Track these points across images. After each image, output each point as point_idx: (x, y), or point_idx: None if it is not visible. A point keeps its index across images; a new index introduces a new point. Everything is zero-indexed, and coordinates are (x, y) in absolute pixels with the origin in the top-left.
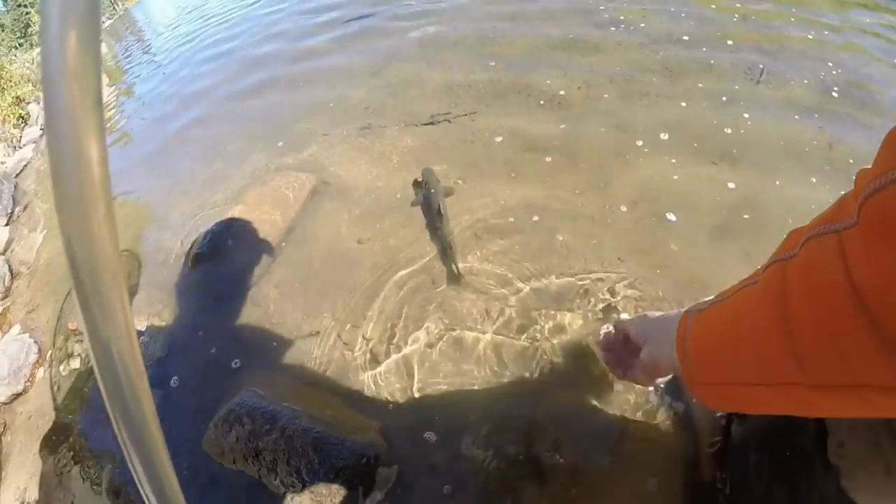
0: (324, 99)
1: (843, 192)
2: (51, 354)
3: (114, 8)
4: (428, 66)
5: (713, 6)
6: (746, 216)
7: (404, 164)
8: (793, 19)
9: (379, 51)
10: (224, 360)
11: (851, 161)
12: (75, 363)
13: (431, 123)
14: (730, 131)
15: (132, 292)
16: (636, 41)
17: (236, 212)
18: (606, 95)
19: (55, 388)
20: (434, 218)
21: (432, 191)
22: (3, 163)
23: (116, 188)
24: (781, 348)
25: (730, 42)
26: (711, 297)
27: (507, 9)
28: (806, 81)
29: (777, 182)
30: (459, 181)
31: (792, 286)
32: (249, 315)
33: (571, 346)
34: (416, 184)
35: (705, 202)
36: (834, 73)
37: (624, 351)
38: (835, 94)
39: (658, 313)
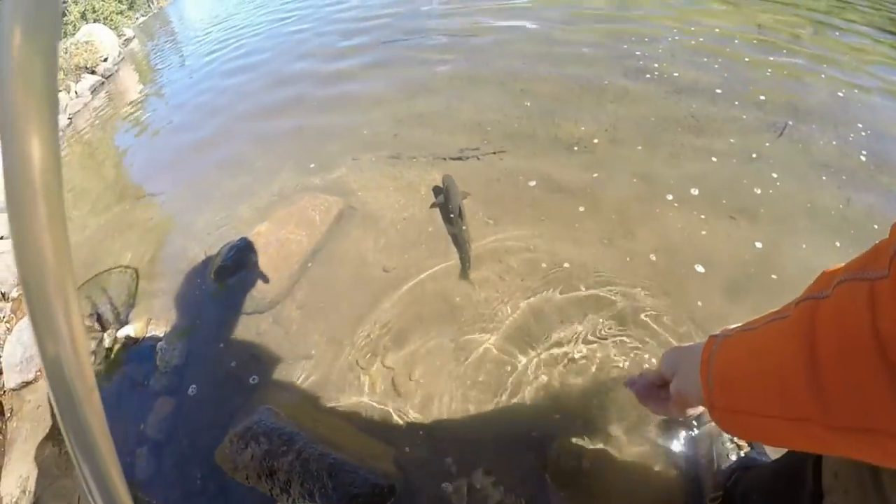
0: (354, 123)
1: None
2: None
3: (149, 6)
4: (458, 100)
5: (746, 59)
6: (774, 276)
7: (431, 198)
8: (823, 76)
9: (410, 79)
10: (242, 374)
11: (876, 227)
12: (89, 359)
13: (460, 158)
14: (759, 191)
15: (152, 296)
16: (665, 90)
17: (262, 228)
18: (634, 143)
19: None
20: (452, 219)
21: (450, 193)
22: None
23: (146, 189)
24: (805, 385)
25: (762, 97)
26: (738, 325)
27: (539, 49)
28: (834, 143)
29: (803, 245)
30: (490, 221)
31: (821, 326)
32: (270, 333)
33: (590, 385)
34: (436, 189)
35: (731, 259)
36: (862, 134)
37: (654, 387)
38: (862, 158)
39: (687, 344)
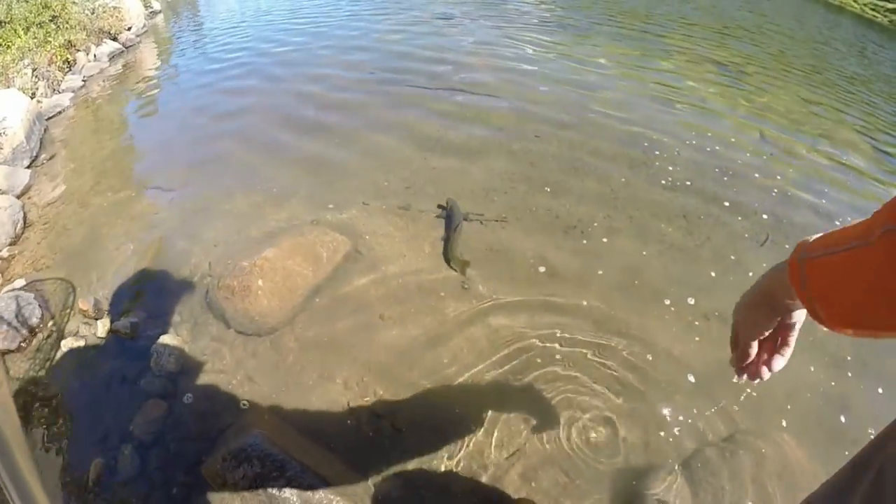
0: (370, 165)
1: None
2: (53, 324)
3: None
4: (470, 162)
5: (745, 168)
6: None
7: (435, 255)
8: (811, 192)
9: (429, 133)
10: (235, 393)
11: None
12: (79, 343)
13: (466, 219)
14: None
15: (153, 293)
16: (663, 183)
17: (270, 254)
18: (626, 235)
19: (49, 359)
20: (451, 235)
21: (454, 214)
22: (39, 102)
23: (153, 181)
24: None
25: (754, 206)
26: (812, 239)
27: (553, 127)
28: None
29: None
30: (495, 296)
31: None
32: (266, 357)
33: (567, 462)
34: (440, 206)
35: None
36: None
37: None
38: None
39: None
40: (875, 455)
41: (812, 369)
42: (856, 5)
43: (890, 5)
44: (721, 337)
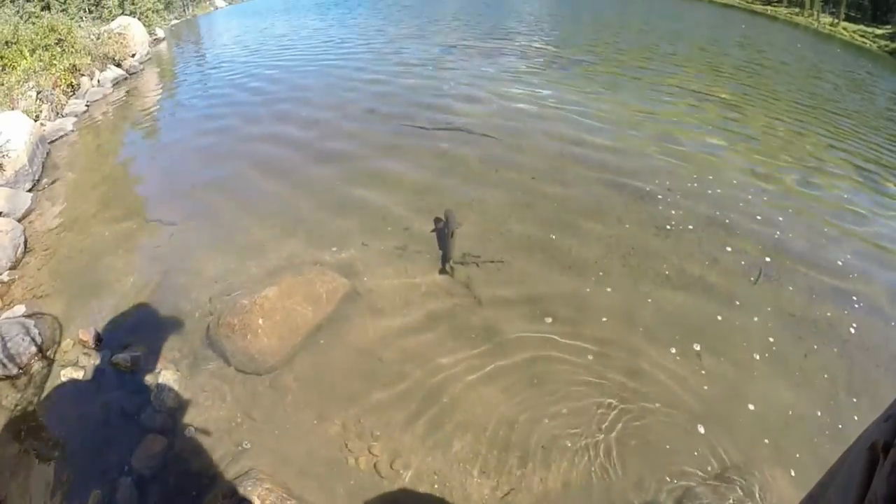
0: (370, 204)
1: None
2: (53, 352)
3: (184, 10)
4: (467, 203)
5: (757, 194)
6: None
7: (431, 296)
8: (819, 217)
9: (427, 174)
10: (235, 431)
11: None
12: (79, 373)
13: (462, 263)
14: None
15: (152, 328)
16: (657, 223)
17: (270, 293)
18: (620, 275)
19: (49, 387)
20: (446, 237)
21: (449, 222)
22: (43, 125)
23: (154, 213)
24: None
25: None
26: None
27: (551, 165)
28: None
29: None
30: (493, 339)
31: None
32: (266, 396)
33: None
34: (437, 220)
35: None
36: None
37: None
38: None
39: None
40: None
41: (804, 402)
42: (845, 33)
43: (879, 31)
44: (710, 372)
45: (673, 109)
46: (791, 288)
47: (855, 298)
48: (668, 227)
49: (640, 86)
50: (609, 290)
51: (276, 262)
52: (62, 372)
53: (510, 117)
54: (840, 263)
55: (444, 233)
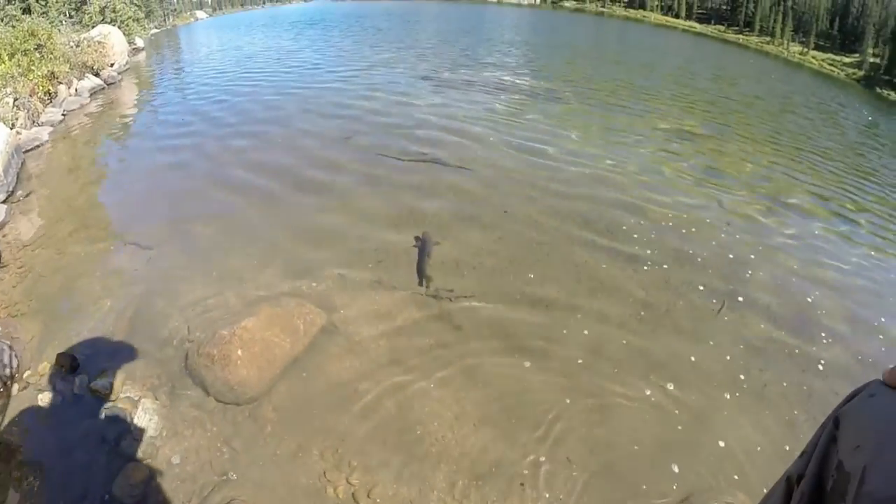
0: (346, 234)
1: None
2: (29, 376)
3: (164, 20)
4: (441, 236)
5: (722, 226)
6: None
7: (406, 329)
8: (781, 248)
9: (402, 206)
10: (216, 461)
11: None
12: (56, 399)
13: (435, 297)
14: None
15: (131, 356)
16: (624, 257)
17: (249, 324)
18: (588, 309)
19: (24, 412)
20: (423, 255)
21: (427, 242)
22: (19, 133)
23: (131, 235)
24: None
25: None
26: None
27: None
28: (762, 325)
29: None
30: (462, 369)
31: None
32: (246, 426)
33: None
34: (416, 239)
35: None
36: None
37: None
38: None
39: None
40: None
41: (766, 428)
42: (814, 62)
43: (847, 59)
44: (673, 404)
45: (645, 144)
46: (762, 325)
47: (824, 335)
48: (637, 261)
49: (613, 119)
50: (578, 324)
51: (254, 292)
52: (39, 396)
53: (484, 150)
54: (810, 300)
55: (422, 251)
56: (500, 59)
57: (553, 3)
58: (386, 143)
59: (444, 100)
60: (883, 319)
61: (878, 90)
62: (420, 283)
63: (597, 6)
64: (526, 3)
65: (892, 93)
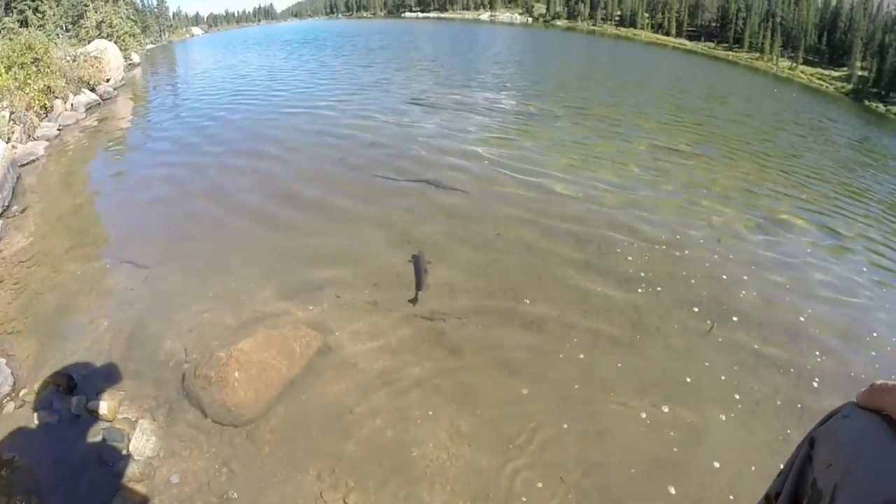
0: (341, 258)
1: None
2: (26, 394)
3: (160, 35)
4: (435, 259)
5: (712, 245)
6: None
7: (400, 351)
8: (770, 266)
9: (396, 228)
10: (214, 482)
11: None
12: (53, 417)
13: (430, 319)
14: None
15: (127, 376)
16: (615, 277)
17: (246, 346)
18: (580, 329)
19: (21, 430)
20: (419, 273)
21: (421, 260)
22: (14, 147)
23: (127, 254)
24: None
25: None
26: None
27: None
28: (756, 346)
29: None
30: (457, 394)
31: None
32: (244, 448)
33: None
34: (413, 256)
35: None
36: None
37: None
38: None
39: None
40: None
41: (760, 447)
42: (803, 76)
43: (836, 73)
44: (668, 425)
45: (637, 165)
46: (755, 345)
47: (818, 353)
48: (630, 282)
49: (605, 140)
50: (572, 346)
51: (251, 314)
52: (36, 415)
53: (476, 171)
54: (802, 319)
55: (417, 268)
56: (492, 80)
57: (545, 21)
58: (380, 164)
59: (437, 121)
60: (875, 334)
61: (867, 103)
62: (414, 299)
63: (588, 25)
64: (518, 21)
65: (880, 105)
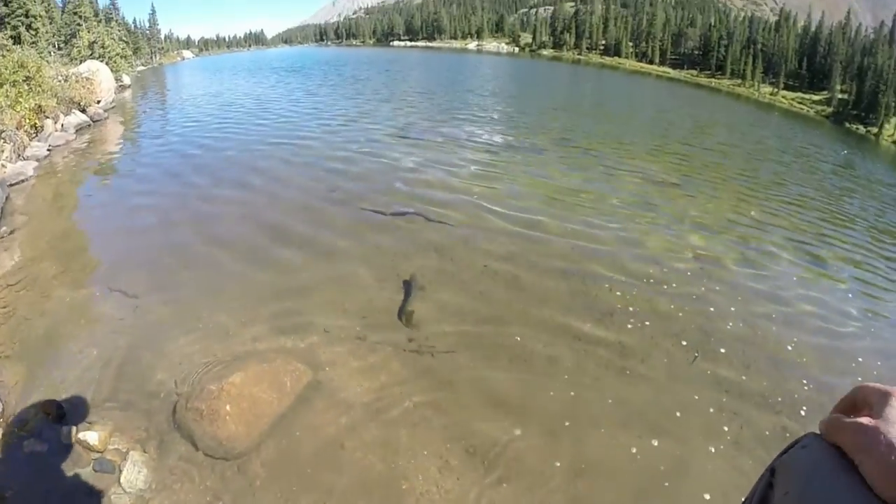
0: (330, 292)
1: None
2: (14, 421)
3: (151, 58)
4: (423, 293)
5: (695, 275)
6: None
7: (390, 385)
8: (753, 295)
9: (385, 261)
10: None
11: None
12: (42, 447)
13: (418, 353)
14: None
15: (117, 407)
16: (600, 310)
17: (237, 379)
18: (567, 362)
19: (8, 458)
20: (408, 295)
21: (412, 284)
22: (4, 166)
23: (117, 282)
24: None
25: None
26: None
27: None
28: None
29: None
30: (446, 427)
31: None
32: (235, 482)
33: None
34: (405, 282)
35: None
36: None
37: None
38: (764, 383)
39: None
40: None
41: (750, 478)
42: (784, 101)
43: (816, 97)
44: (657, 458)
45: (624, 198)
46: (743, 377)
47: (805, 382)
48: (617, 316)
49: (591, 173)
50: (560, 381)
51: (241, 347)
52: (25, 443)
53: (464, 205)
54: (790, 348)
55: (408, 290)
56: (478, 112)
57: (531, 51)
58: (367, 197)
59: (423, 155)
60: (860, 360)
61: (847, 125)
62: (401, 318)
63: (574, 54)
64: (505, 51)
65: (860, 126)
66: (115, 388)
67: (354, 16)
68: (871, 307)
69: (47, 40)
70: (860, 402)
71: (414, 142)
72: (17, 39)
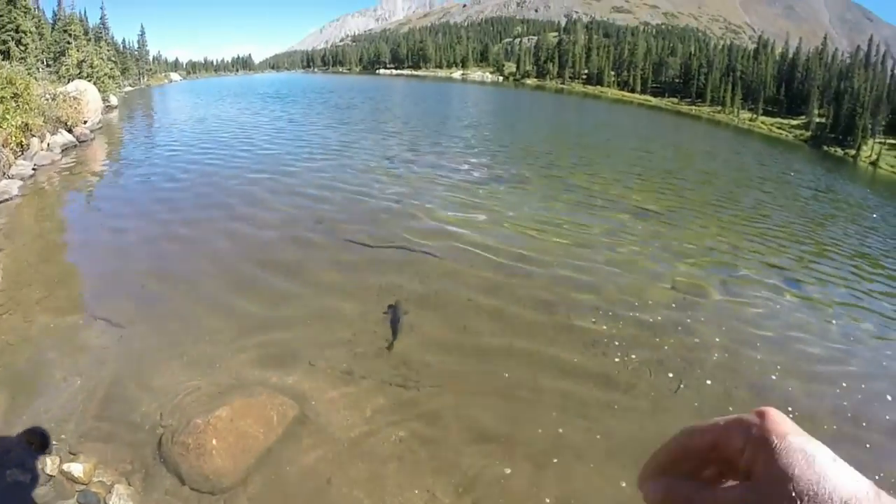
0: (315, 325)
1: None
2: None
3: (139, 79)
4: (409, 327)
5: (676, 306)
6: None
7: (376, 419)
8: (734, 320)
9: (370, 294)
10: None
11: None
12: (25, 476)
13: (404, 387)
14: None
15: (102, 439)
16: (584, 341)
17: (223, 413)
18: (550, 395)
19: None
20: (395, 322)
21: (398, 310)
22: None
23: (102, 311)
24: None
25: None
26: None
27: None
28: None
29: None
30: (432, 461)
31: None
32: None
33: None
34: (390, 307)
35: None
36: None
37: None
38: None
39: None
40: None
41: None
42: (763, 126)
43: (794, 122)
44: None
45: (606, 228)
46: (730, 407)
47: (791, 409)
48: (600, 346)
49: (574, 204)
50: (547, 416)
51: (227, 380)
52: (7, 473)
53: (448, 236)
54: (774, 377)
55: (393, 319)
56: (462, 143)
57: (515, 80)
58: (352, 229)
59: (407, 186)
60: (844, 384)
61: (826, 148)
62: (389, 347)
63: (557, 83)
64: (489, 80)
65: (838, 149)
66: (101, 418)
67: (341, 43)
68: (853, 332)
69: (36, 56)
70: (721, 446)
71: (398, 172)
72: (6, 55)
